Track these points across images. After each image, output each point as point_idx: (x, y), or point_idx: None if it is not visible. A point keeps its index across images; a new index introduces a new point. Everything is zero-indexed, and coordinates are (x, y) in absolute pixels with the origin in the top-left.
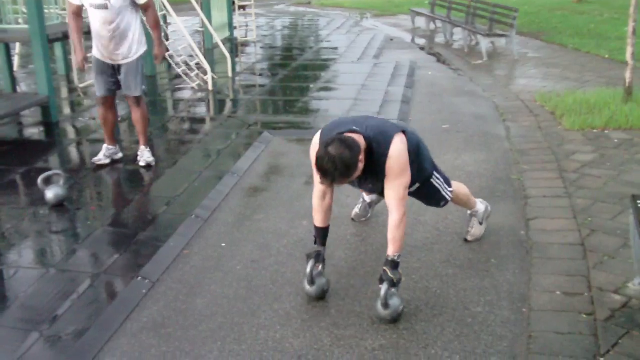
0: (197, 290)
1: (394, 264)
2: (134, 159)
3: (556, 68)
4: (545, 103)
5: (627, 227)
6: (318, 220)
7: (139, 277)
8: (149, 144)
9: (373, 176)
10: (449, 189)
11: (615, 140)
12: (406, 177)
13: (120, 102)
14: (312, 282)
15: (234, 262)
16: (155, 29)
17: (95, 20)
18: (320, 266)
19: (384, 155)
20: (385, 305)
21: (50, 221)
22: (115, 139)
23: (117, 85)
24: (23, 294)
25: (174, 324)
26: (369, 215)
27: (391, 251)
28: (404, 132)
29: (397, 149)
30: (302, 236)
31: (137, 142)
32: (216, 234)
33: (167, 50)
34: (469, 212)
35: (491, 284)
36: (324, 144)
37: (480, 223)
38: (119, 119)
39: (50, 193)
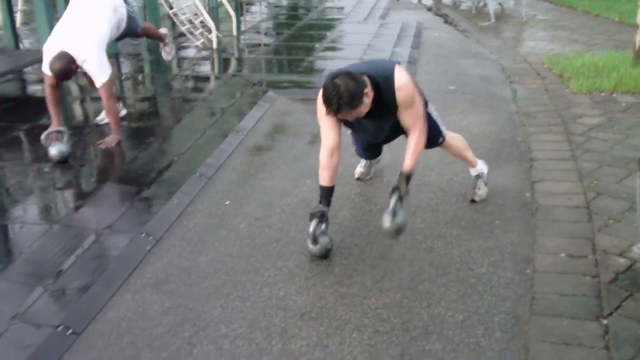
0: (201, 247)
1: (409, 178)
2: (138, 116)
3: (565, 31)
4: (553, 66)
5: (633, 191)
6: (324, 179)
7: (143, 234)
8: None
9: (386, 113)
10: (444, 128)
11: (623, 104)
12: (419, 100)
13: (123, 60)
14: (315, 241)
15: (238, 221)
16: (108, 114)
17: None
18: (323, 225)
19: (392, 90)
20: (394, 214)
21: (55, 178)
22: (117, 96)
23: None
24: (28, 249)
25: (177, 281)
26: (371, 173)
27: (408, 165)
28: (399, 64)
29: (402, 78)
30: (306, 195)
31: (142, 100)
32: (220, 192)
33: (117, 140)
34: (474, 174)
35: (495, 246)
36: (331, 77)
37: (485, 184)
38: (122, 77)
39: (54, 150)
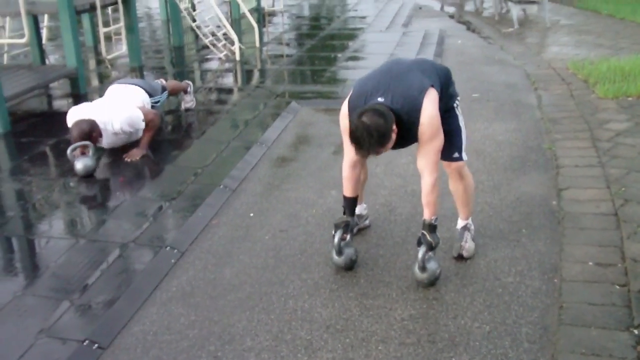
0: (226, 260)
1: (432, 228)
2: (163, 129)
3: (590, 35)
4: (578, 71)
5: None
6: (348, 190)
7: (168, 247)
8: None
9: (408, 142)
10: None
11: None
12: (439, 141)
13: (147, 73)
14: (340, 252)
15: (263, 232)
16: (148, 131)
17: None
18: (348, 236)
19: (416, 123)
20: (423, 268)
21: (80, 192)
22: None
23: None
24: (54, 263)
25: (202, 294)
26: (354, 231)
27: (427, 215)
28: (432, 85)
29: (429, 114)
30: (330, 206)
31: (167, 113)
32: (245, 204)
33: (144, 154)
34: (461, 225)
35: (522, 255)
36: (358, 114)
37: (473, 239)
38: None
39: (79, 164)
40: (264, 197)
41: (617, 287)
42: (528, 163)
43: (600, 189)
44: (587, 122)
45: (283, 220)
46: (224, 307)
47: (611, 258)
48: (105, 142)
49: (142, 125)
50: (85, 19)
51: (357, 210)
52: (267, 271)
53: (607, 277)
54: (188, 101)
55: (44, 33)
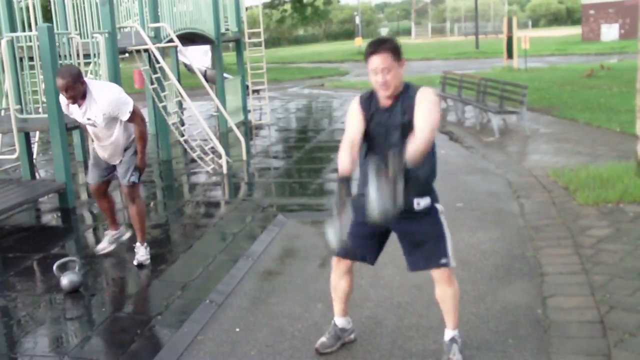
0: None
1: (403, 162)
2: (150, 243)
3: (568, 143)
4: (559, 178)
5: None
6: (344, 167)
7: None
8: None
9: (402, 114)
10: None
11: (631, 214)
12: (436, 114)
13: None
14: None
15: (249, 348)
16: (139, 140)
17: (89, 130)
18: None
19: (415, 91)
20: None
21: (66, 308)
22: (118, 222)
23: (109, 173)
24: None
25: None
26: (337, 345)
27: (408, 154)
28: None
29: (428, 89)
30: (316, 320)
31: (154, 227)
32: (230, 319)
33: (144, 167)
34: (450, 337)
35: None
36: None
37: (461, 351)
38: None
39: (65, 280)
40: (250, 312)
41: None
42: (512, 272)
43: (584, 296)
44: (569, 229)
45: (269, 335)
46: None
47: None
48: (91, 113)
49: (129, 109)
50: (76, 133)
51: (341, 323)
52: None
53: None
54: (142, 255)
55: (35, 148)
